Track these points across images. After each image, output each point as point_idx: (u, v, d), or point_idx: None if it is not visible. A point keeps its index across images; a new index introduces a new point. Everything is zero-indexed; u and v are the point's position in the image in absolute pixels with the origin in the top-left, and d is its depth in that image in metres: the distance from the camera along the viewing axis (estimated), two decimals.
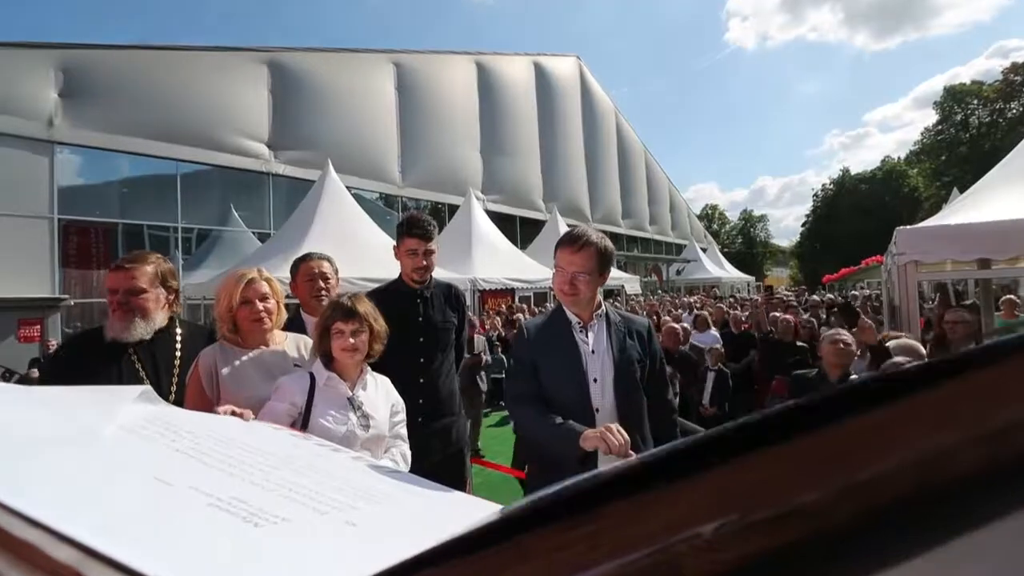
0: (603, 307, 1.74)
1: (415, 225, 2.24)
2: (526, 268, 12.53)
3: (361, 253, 8.15)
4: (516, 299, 12.46)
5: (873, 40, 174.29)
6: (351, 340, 1.57)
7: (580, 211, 24.73)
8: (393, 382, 1.75)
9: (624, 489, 0.27)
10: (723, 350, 5.42)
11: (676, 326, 5.14)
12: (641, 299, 15.28)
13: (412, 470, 1.54)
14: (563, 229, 16.06)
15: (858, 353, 4.09)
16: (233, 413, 1.28)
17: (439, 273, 2.34)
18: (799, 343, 5.01)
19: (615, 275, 13.57)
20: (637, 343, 1.71)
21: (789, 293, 16.26)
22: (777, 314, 6.02)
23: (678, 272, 26.85)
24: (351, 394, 1.58)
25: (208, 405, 1.58)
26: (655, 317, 7.19)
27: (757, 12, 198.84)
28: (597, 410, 1.64)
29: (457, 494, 1.07)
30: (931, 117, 41.96)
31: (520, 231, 19.68)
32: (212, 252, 12.61)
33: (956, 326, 3.59)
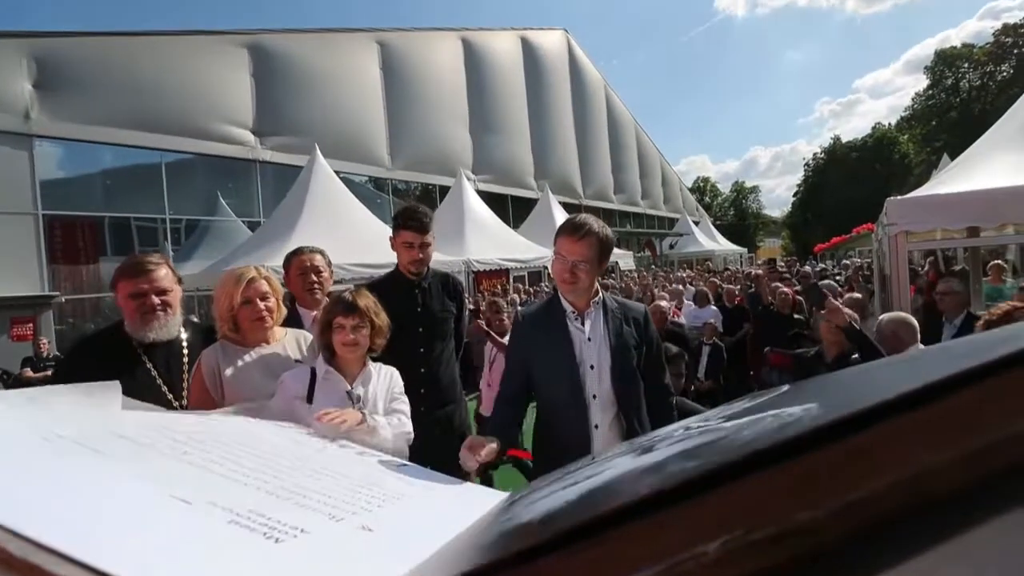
0: (600, 294, 1.76)
1: (411, 217, 2.24)
2: (519, 248, 12.49)
3: (352, 238, 8.10)
4: (511, 279, 12.45)
5: (864, 4, 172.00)
6: (351, 335, 1.58)
7: (572, 188, 24.57)
8: None
9: (634, 510, 0.29)
10: (718, 325, 5.48)
11: (662, 304, 5.16)
12: (635, 275, 15.32)
13: (415, 458, 1.58)
14: (555, 207, 16.00)
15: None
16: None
17: (432, 255, 2.37)
18: (796, 316, 5.08)
19: None
20: (634, 329, 1.73)
21: (781, 265, 16.37)
22: (778, 285, 6.08)
23: (671, 246, 26.91)
24: (349, 388, 1.60)
25: (212, 405, 1.60)
26: (650, 295, 7.22)
27: None
28: (594, 396, 1.67)
29: (464, 485, 1.10)
30: (922, 82, 41.76)
31: (512, 210, 19.56)
32: (202, 243, 12.45)
33: (945, 297, 3.64)
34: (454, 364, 2.45)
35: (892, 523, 0.26)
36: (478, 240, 11.46)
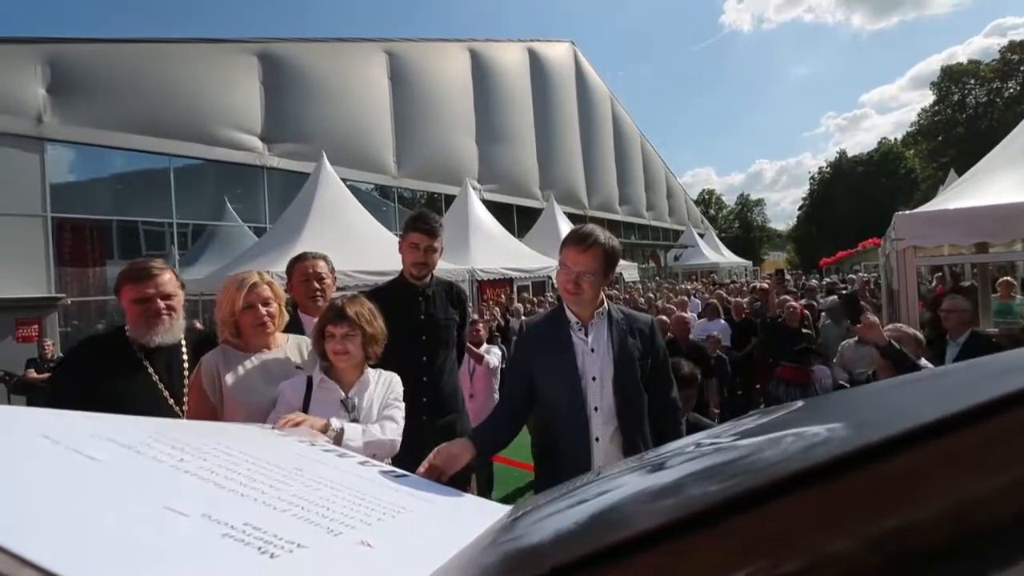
0: (605, 305, 1.73)
1: (421, 220, 2.26)
2: (524, 257, 12.49)
3: (358, 245, 8.11)
4: (515, 288, 12.44)
5: (870, 20, 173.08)
6: (340, 344, 1.57)
7: (577, 198, 24.62)
8: None
9: (657, 539, 0.27)
10: (723, 339, 5.43)
11: (685, 315, 5.13)
12: (639, 286, 15.28)
13: (416, 468, 1.55)
14: (560, 217, 16.03)
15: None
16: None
17: (437, 263, 2.36)
18: (804, 329, 5.03)
19: None
20: (639, 341, 1.70)
21: (788, 278, 16.30)
22: (786, 298, 6.03)
23: (676, 258, 26.86)
24: (345, 396, 1.58)
25: (210, 411, 1.58)
26: (655, 309, 7.19)
27: None
28: (596, 408, 1.64)
29: (465, 498, 1.08)
30: (928, 98, 41.82)
31: (517, 220, 19.60)
32: (208, 247, 12.52)
33: (950, 315, 3.57)
34: (456, 373, 2.43)
35: (934, 555, 0.24)
36: (483, 249, 11.48)
